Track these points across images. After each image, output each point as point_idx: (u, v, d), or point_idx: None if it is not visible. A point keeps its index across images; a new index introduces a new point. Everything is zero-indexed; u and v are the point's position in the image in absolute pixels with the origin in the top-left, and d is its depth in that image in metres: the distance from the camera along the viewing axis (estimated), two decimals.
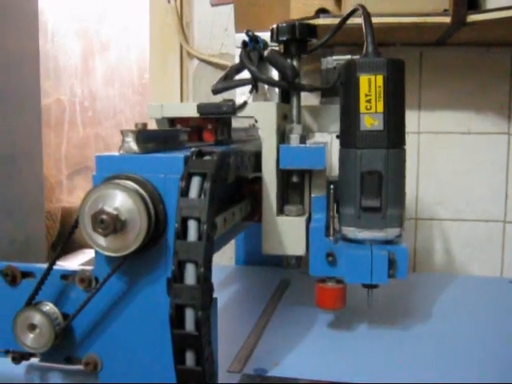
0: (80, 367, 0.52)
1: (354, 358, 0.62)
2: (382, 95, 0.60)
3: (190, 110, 0.65)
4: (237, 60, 0.73)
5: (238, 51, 0.71)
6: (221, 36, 1.18)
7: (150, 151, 0.51)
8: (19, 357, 0.54)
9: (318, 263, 0.63)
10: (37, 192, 1.23)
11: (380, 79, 0.60)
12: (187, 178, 0.47)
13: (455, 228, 1.12)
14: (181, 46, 1.20)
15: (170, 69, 1.21)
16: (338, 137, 0.66)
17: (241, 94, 0.69)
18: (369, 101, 0.60)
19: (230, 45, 1.18)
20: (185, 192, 0.46)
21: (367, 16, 0.64)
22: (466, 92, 1.09)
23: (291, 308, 0.77)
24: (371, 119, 0.60)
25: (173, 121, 0.67)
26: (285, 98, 0.71)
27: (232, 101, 0.64)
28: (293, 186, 0.67)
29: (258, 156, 0.64)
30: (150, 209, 0.46)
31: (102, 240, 0.46)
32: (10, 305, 0.53)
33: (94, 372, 0.51)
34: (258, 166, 0.64)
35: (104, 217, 0.45)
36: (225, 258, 1.11)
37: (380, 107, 0.60)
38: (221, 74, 1.15)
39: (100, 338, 0.51)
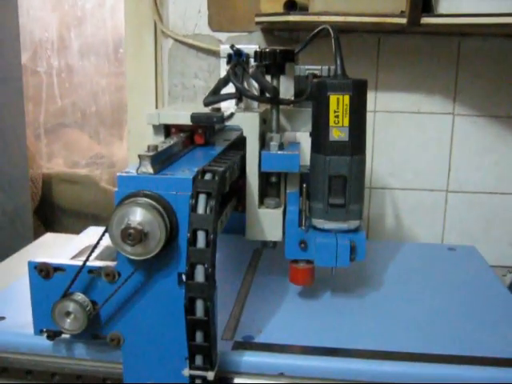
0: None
1: (321, 324, 0.76)
2: (347, 112, 0.71)
3: (184, 119, 0.75)
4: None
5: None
6: (194, 17, 1.25)
7: (159, 170, 0.62)
8: (53, 334, 0.66)
9: (292, 248, 0.77)
10: (21, 163, 1.31)
11: (347, 98, 0.71)
12: (195, 196, 0.59)
13: (404, 196, 1.28)
14: (155, 25, 1.27)
15: (144, 46, 1.27)
16: (311, 134, 0.78)
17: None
18: (337, 116, 0.72)
19: (203, 26, 1.25)
20: (194, 208, 0.58)
21: (337, 38, 0.74)
22: (417, 76, 1.22)
23: (266, 278, 0.90)
24: (338, 131, 0.72)
25: (168, 126, 0.78)
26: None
27: (221, 111, 0.75)
28: (271, 183, 0.79)
29: (242, 159, 0.76)
30: (166, 221, 0.58)
31: (129, 248, 0.58)
32: (44, 294, 0.64)
33: (118, 346, 0.64)
34: (242, 167, 0.76)
35: (132, 231, 0.56)
36: None
37: (346, 122, 0.72)
38: (194, 53, 1.26)
39: (123, 319, 0.63)
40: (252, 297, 0.84)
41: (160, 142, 0.70)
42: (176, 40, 1.26)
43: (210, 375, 0.60)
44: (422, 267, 0.98)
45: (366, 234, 1.26)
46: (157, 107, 1.29)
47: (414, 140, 1.25)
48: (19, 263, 0.97)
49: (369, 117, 1.23)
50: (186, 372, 0.61)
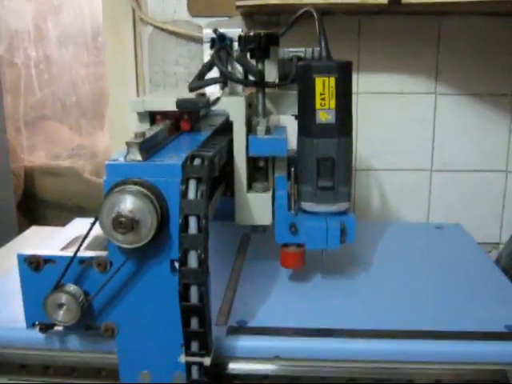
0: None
1: (314, 306, 0.76)
2: (334, 94, 0.71)
3: (169, 105, 0.74)
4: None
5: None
6: (173, 3, 1.24)
7: (148, 157, 0.61)
8: (45, 327, 0.65)
9: (282, 233, 0.77)
10: (3, 157, 1.29)
11: (333, 81, 0.71)
12: (185, 181, 0.58)
13: (389, 177, 1.28)
14: (133, 12, 1.25)
15: (123, 34, 1.25)
16: (296, 117, 0.78)
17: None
18: (323, 99, 0.71)
19: (182, 11, 1.24)
20: (185, 194, 0.58)
21: (321, 20, 0.74)
22: (399, 56, 1.22)
23: (256, 263, 0.90)
24: (325, 114, 0.72)
25: (153, 113, 0.77)
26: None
27: (206, 96, 0.74)
28: (259, 167, 0.79)
29: (229, 144, 0.76)
30: (156, 207, 0.57)
31: (120, 237, 0.57)
32: (35, 287, 0.63)
33: (112, 336, 0.64)
34: (229, 152, 0.76)
35: (123, 219, 0.56)
36: None
37: (332, 104, 0.71)
38: (174, 40, 1.25)
39: (116, 309, 0.62)
40: (243, 282, 0.84)
41: (146, 129, 0.69)
42: (155, 27, 1.24)
43: (207, 361, 0.60)
44: (410, 246, 0.99)
45: None
46: (138, 95, 1.28)
47: (397, 121, 1.25)
48: (6, 257, 0.96)
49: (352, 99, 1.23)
50: (182, 359, 0.61)
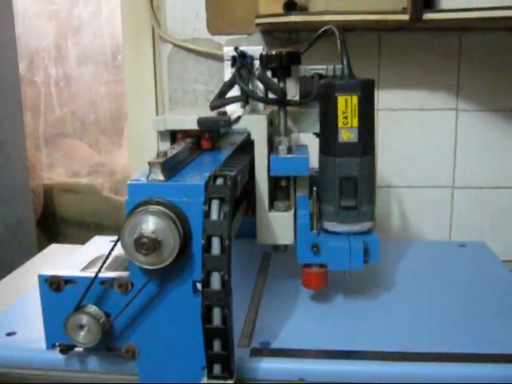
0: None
1: (337, 327, 0.75)
2: (356, 112, 0.70)
3: (191, 124, 0.74)
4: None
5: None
6: (192, 21, 1.24)
7: (170, 176, 0.61)
8: (65, 348, 0.65)
9: (304, 253, 0.75)
10: (23, 174, 1.29)
11: (355, 99, 0.70)
12: (208, 202, 0.58)
13: (410, 194, 1.27)
14: (153, 30, 1.25)
15: (143, 52, 1.26)
16: (317, 135, 0.77)
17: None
18: (345, 117, 0.71)
19: (201, 29, 1.24)
20: (207, 214, 0.57)
21: (342, 39, 0.73)
22: (419, 72, 1.21)
23: (278, 282, 0.89)
24: (348, 133, 0.71)
25: (173, 132, 0.76)
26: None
27: (227, 115, 0.74)
28: (280, 186, 0.78)
29: (250, 163, 0.75)
30: (179, 228, 0.57)
31: (142, 258, 0.56)
32: (56, 308, 0.63)
33: (133, 358, 0.63)
34: (251, 171, 0.75)
35: (145, 240, 0.55)
36: None
37: (355, 122, 0.71)
38: (194, 57, 1.25)
39: (137, 330, 0.62)
40: (265, 302, 0.82)
41: (168, 148, 0.69)
42: (175, 45, 1.25)
43: None
44: (434, 265, 0.97)
45: None
46: (157, 113, 1.28)
47: (417, 137, 1.24)
48: (26, 276, 0.96)
49: None
50: (205, 381, 0.60)
